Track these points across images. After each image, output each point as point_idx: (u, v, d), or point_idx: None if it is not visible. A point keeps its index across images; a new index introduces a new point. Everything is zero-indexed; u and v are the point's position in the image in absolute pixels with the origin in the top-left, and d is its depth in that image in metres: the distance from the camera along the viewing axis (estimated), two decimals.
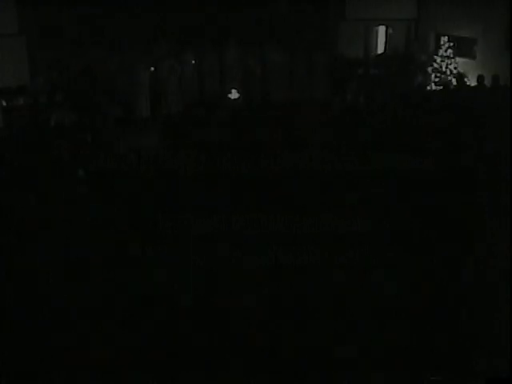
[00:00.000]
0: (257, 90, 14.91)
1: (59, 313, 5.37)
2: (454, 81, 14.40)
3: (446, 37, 15.34)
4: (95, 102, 12.35)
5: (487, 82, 12.54)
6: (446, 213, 7.09)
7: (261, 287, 5.79)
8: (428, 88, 14.99)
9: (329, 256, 5.99)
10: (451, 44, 15.07)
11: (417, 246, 6.44)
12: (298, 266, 5.95)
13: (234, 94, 14.47)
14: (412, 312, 5.41)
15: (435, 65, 15.22)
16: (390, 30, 16.18)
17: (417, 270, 5.93)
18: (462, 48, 15.12)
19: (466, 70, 14.62)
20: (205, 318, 5.37)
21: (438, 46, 15.53)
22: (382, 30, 16.24)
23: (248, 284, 5.83)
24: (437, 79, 15.07)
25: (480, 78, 12.64)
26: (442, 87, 13.87)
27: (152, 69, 14.13)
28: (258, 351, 4.92)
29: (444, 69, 15.02)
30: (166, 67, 14.06)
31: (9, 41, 12.59)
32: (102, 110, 11.86)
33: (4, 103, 12.17)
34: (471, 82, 13.71)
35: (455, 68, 14.92)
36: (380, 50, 16.46)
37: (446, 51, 15.06)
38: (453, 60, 14.96)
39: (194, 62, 14.69)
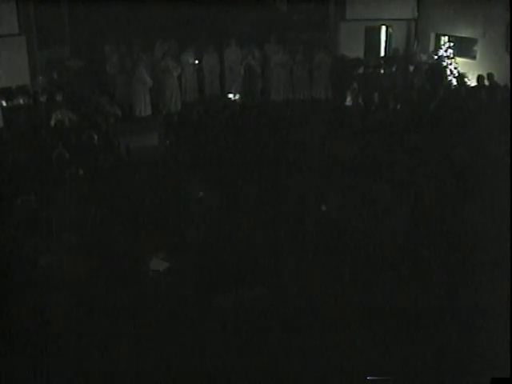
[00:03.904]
0: (257, 90, 14.90)
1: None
2: (454, 81, 14.40)
3: (446, 37, 15.33)
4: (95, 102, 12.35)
5: (487, 82, 12.54)
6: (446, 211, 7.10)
7: None
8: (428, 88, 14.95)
9: None
10: (451, 44, 15.06)
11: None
12: None
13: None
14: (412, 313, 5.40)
15: None
16: (390, 30, 16.16)
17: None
18: (462, 48, 15.11)
19: (466, 69, 14.60)
20: None
21: (438, 46, 15.52)
22: (382, 30, 16.21)
23: None
24: None
25: (480, 78, 12.63)
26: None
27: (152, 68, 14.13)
28: None
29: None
30: (165, 66, 14.04)
31: (9, 41, 12.57)
32: (102, 109, 11.86)
33: (4, 103, 12.16)
34: (471, 82, 13.70)
35: (455, 68, 14.90)
36: (380, 50, 16.43)
37: (446, 51, 15.05)
38: (453, 60, 14.94)
39: (193, 62, 14.68)
